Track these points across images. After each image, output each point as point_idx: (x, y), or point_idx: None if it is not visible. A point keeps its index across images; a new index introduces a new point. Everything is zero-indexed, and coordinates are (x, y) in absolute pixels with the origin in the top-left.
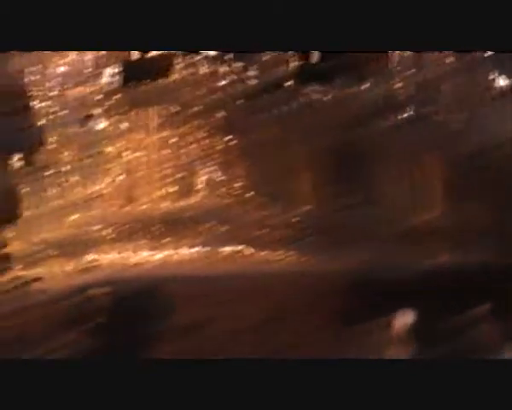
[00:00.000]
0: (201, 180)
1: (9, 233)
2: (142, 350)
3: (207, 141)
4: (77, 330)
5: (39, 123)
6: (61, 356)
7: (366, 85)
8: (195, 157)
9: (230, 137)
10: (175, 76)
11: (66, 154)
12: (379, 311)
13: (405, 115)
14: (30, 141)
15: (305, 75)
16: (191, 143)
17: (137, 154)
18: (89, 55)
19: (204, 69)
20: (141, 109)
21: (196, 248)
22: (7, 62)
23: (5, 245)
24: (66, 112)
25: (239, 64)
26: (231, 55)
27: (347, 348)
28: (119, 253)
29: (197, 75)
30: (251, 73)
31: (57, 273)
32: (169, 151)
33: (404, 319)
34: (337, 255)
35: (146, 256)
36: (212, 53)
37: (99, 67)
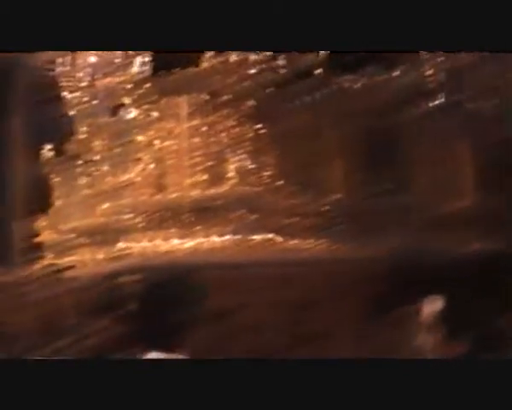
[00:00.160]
0: (232, 168)
1: (41, 222)
2: (172, 336)
3: (237, 129)
4: (108, 316)
5: (70, 113)
6: (85, 346)
7: (396, 73)
8: (225, 146)
9: (260, 125)
10: (205, 65)
11: (96, 143)
12: (408, 298)
13: (436, 102)
14: (61, 131)
15: (335, 63)
16: (221, 132)
17: (167, 142)
18: None
19: (234, 57)
20: (171, 98)
21: (227, 237)
22: (38, 53)
23: (37, 234)
24: (96, 102)
25: (268, 53)
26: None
27: (377, 335)
28: (150, 241)
29: (227, 64)
30: (280, 61)
31: (89, 261)
32: (199, 140)
33: (433, 306)
34: (367, 243)
35: (176, 244)
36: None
37: (129, 56)
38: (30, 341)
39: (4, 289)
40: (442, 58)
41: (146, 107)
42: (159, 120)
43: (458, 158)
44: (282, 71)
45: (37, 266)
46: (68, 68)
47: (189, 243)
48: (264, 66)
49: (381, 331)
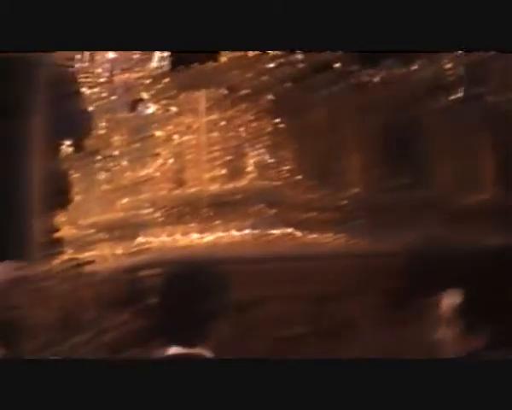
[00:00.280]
0: (250, 163)
1: (61, 218)
2: (193, 331)
3: (256, 124)
4: (128, 311)
5: (89, 108)
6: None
7: (415, 67)
8: (244, 140)
9: (279, 119)
10: (223, 59)
11: (115, 138)
12: (427, 291)
13: (456, 96)
14: (80, 127)
15: (353, 57)
16: (240, 126)
17: (186, 137)
18: None
19: (252, 52)
20: (189, 93)
21: (245, 231)
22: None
23: (57, 230)
24: (115, 97)
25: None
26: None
27: (395, 329)
28: (169, 236)
29: (245, 58)
30: (299, 55)
31: (108, 256)
32: (218, 134)
33: (451, 299)
34: (386, 237)
35: (195, 238)
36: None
37: (147, 52)
38: (49, 335)
39: (25, 283)
40: (461, 52)
41: (164, 102)
42: (177, 114)
43: (477, 152)
44: (301, 65)
45: (57, 260)
46: (87, 64)
47: (208, 238)
48: (282, 60)
49: (400, 325)
